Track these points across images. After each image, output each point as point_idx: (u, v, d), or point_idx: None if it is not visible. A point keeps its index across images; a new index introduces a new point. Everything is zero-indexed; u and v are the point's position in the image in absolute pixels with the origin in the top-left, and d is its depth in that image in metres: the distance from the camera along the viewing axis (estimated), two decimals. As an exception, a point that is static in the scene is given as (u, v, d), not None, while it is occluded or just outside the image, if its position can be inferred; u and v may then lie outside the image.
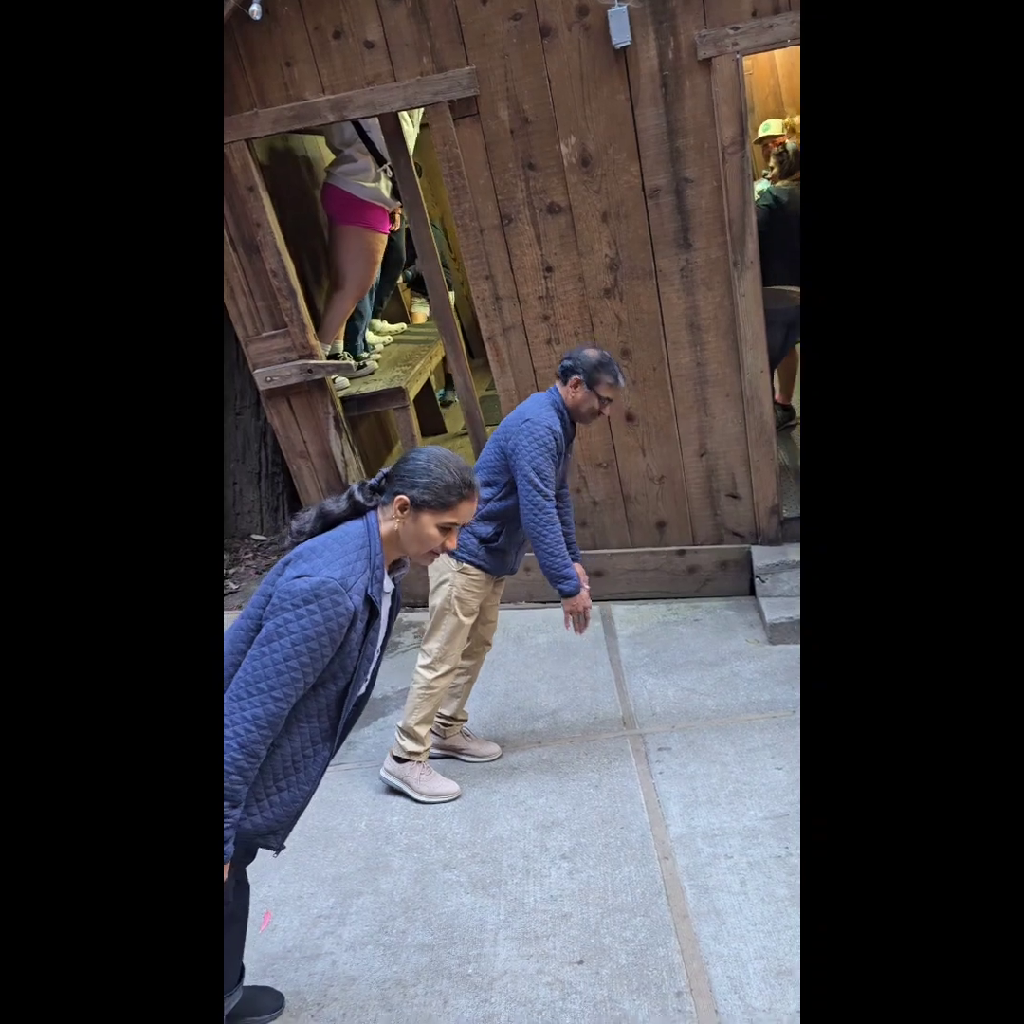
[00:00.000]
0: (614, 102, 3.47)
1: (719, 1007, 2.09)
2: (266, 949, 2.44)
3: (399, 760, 3.06)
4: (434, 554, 1.82)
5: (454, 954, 2.35)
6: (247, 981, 2.24)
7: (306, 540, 1.81)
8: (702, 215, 3.58)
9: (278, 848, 1.88)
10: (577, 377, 2.85)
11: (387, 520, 1.81)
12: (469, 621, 2.99)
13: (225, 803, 1.64)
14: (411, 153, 3.98)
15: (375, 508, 1.83)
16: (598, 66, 3.43)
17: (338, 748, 1.99)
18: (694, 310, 3.73)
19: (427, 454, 1.83)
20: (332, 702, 1.81)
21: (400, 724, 3.07)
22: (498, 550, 2.96)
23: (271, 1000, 2.23)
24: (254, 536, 5.31)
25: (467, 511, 1.82)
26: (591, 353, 2.87)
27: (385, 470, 1.86)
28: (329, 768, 3.22)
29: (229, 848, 1.67)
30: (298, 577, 1.68)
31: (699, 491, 4.02)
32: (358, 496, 1.85)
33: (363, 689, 1.95)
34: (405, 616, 4.39)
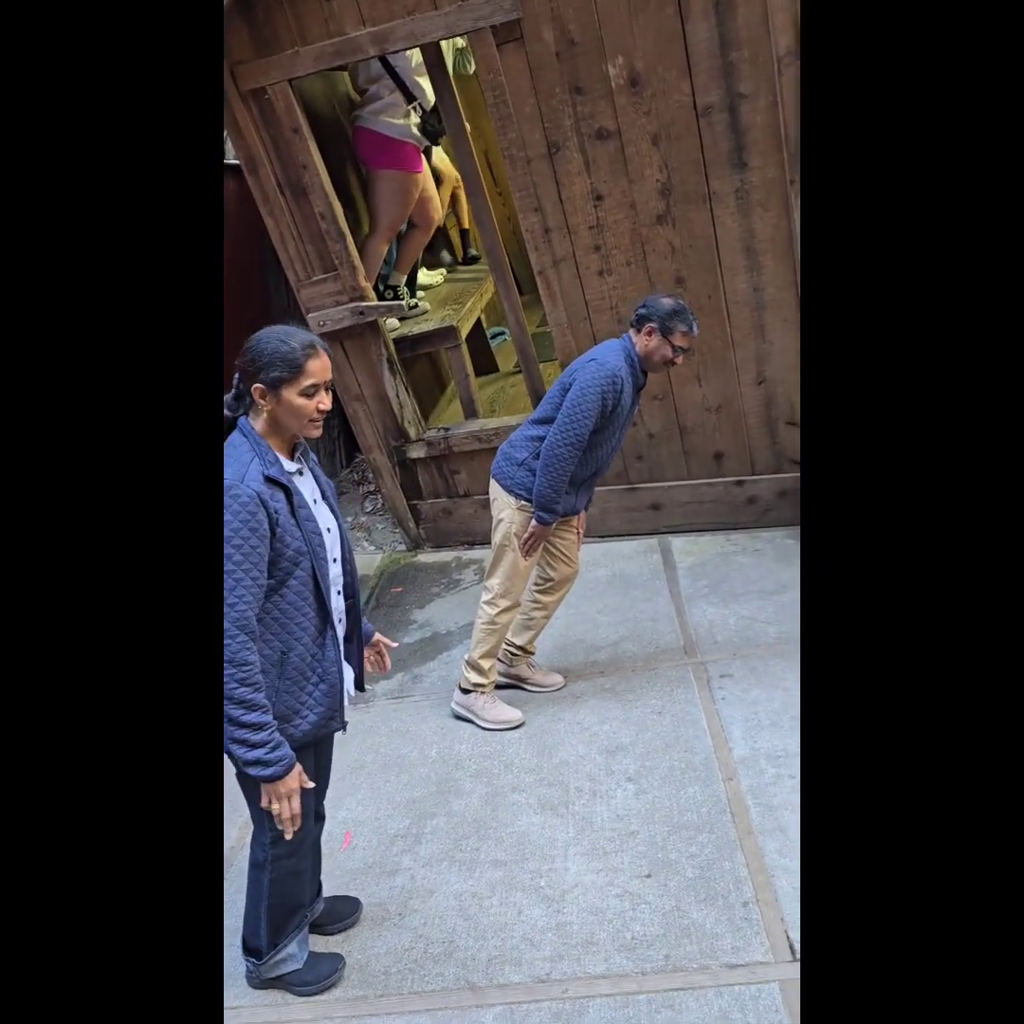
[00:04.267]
0: (662, 16, 3.34)
1: (785, 914, 2.15)
2: (348, 865, 2.58)
3: (465, 691, 3.15)
4: (315, 423, 1.84)
5: (526, 869, 2.45)
6: (329, 892, 2.38)
7: None
8: (757, 132, 3.45)
9: (342, 726, 2.03)
10: (652, 325, 2.82)
11: (256, 416, 1.85)
12: (529, 561, 3.03)
13: (251, 713, 1.74)
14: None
15: (243, 413, 1.88)
16: (645, -22, 3.30)
17: (350, 630, 2.08)
18: (750, 233, 3.62)
19: (259, 337, 1.83)
20: (309, 586, 1.88)
21: (466, 657, 3.16)
22: None
23: (349, 906, 2.37)
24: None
25: (319, 367, 1.81)
26: (666, 301, 2.83)
27: (237, 378, 1.88)
28: (397, 701, 3.37)
29: (284, 751, 1.78)
30: None
31: (757, 420, 3.97)
32: (227, 411, 1.90)
33: (338, 569, 1.99)
34: (465, 553, 4.47)
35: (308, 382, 1.80)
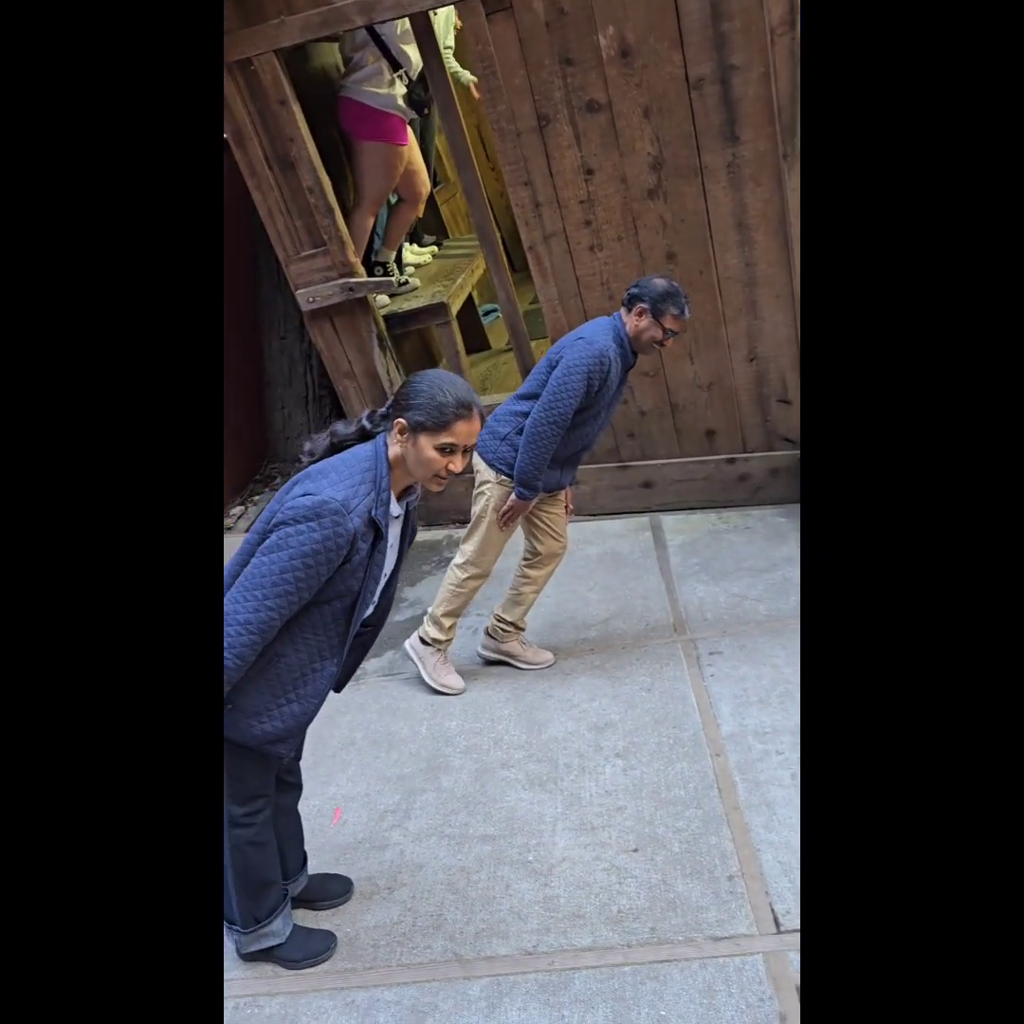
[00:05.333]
0: (654, -15, 3.29)
1: (770, 888, 2.17)
2: (338, 841, 2.59)
3: (423, 642, 3.26)
4: (440, 479, 1.81)
5: (514, 844, 2.47)
6: (320, 869, 2.39)
7: (316, 462, 1.86)
8: (749, 105, 3.41)
9: (285, 755, 1.96)
10: (643, 305, 2.80)
11: (393, 444, 1.82)
12: (506, 532, 3.04)
13: None
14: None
15: (384, 433, 1.85)
16: (636, -54, 3.24)
17: (354, 661, 2.06)
18: (742, 208, 3.59)
19: (426, 377, 1.82)
20: (339, 618, 1.86)
21: (429, 610, 3.25)
22: None
23: (340, 885, 2.38)
24: (302, 459, 5.40)
25: (465, 431, 1.78)
26: (659, 282, 2.81)
27: (392, 400, 1.86)
28: (388, 678, 3.37)
29: None
30: (304, 495, 1.72)
31: (749, 397, 3.95)
32: (366, 423, 1.89)
33: (371, 610, 1.99)
34: (456, 531, 4.46)
35: (448, 440, 1.77)
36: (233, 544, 4.59)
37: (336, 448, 1.89)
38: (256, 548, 1.79)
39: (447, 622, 3.22)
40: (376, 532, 1.78)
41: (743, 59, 3.34)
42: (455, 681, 3.23)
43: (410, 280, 4.70)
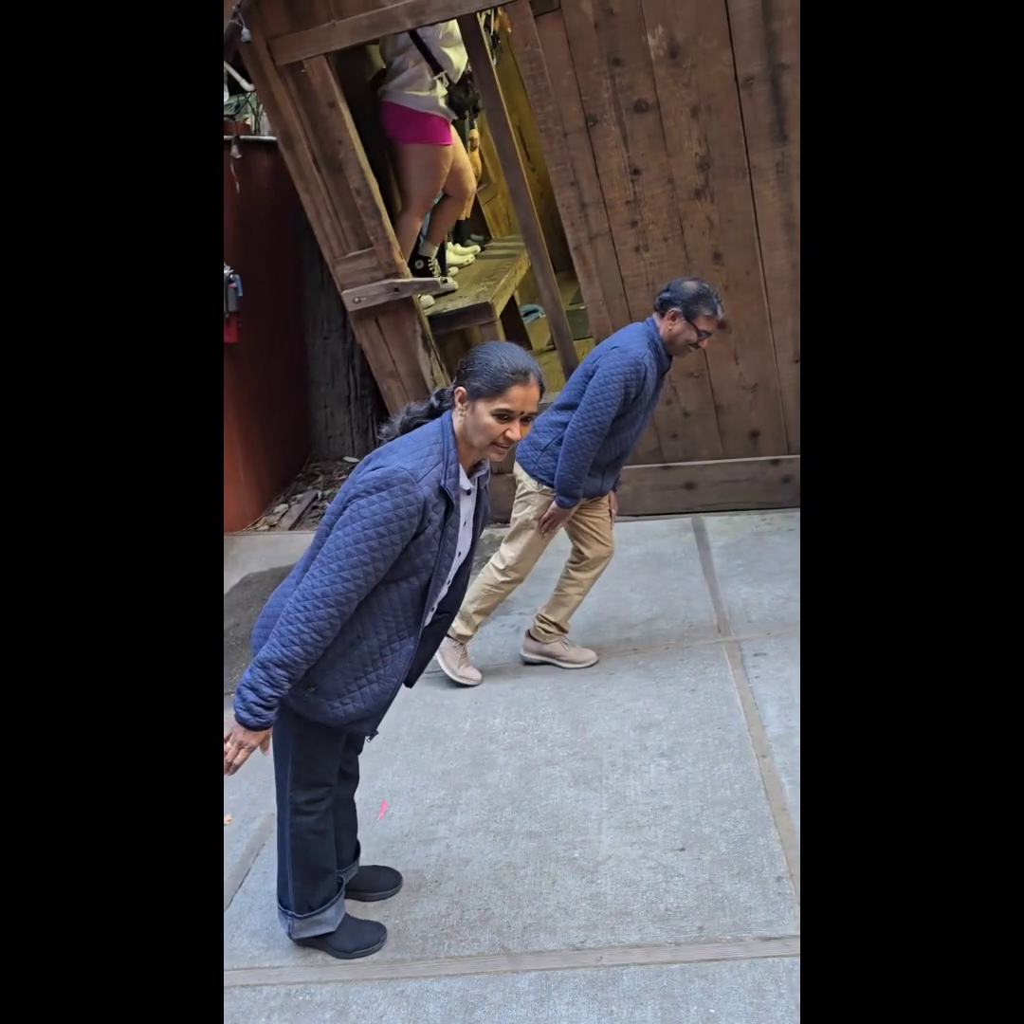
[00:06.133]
0: (704, -15, 3.28)
1: (821, 891, 2.16)
2: (384, 834, 2.62)
3: (447, 635, 3.28)
4: (499, 447, 1.81)
5: (560, 840, 2.48)
6: (367, 861, 2.42)
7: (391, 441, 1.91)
8: (799, 104, 3.39)
9: (371, 733, 2.02)
10: (675, 309, 2.80)
11: (457, 416, 1.84)
12: (546, 539, 3.07)
13: (282, 670, 1.74)
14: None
15: (451, 409, 1.88)
16: (687, -54, 3.24)
17: (429, 649, 2.08)
18: (790, 207, 3.57)
19: (485, 347, 1.85)
20: (416, 595, 1.88)
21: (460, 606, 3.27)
22: None
23: (389, 877, 2.41)
24: (346, 458, 5.46)
25: (521, 396, 1.78)
26: (690, 285, 2.82)
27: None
28: (430, 674, 3.39)
29: (271, 716, 1.77)
30: (374, 470, 1.76)
31: (794, 399, 3.92)
32: (434, 400, 1.93)
33: (445, 590, 2.01)
34: (498, 531, 4.48)
35: (503, 406, 1.78)
36: (276, 541, 4.66)
37: (408, 426, 1.93)
38: (330, 529, 1.82)
39: (477, 620, 3.25)
40: (448, 503, 1.80)
41: (793, 58, 3.32)
42: (474, 673, 3.28)
43: (449, 281, 4.74)
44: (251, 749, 1.79)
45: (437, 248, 4.80)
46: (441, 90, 4.38)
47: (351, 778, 2.25)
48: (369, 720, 1.97)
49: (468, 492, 1.91)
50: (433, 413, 1.93)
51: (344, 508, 1.78)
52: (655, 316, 2.89)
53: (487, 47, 3.83)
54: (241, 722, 1.77)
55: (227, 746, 1.79)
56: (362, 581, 1.76)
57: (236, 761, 1.79)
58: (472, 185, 4.77)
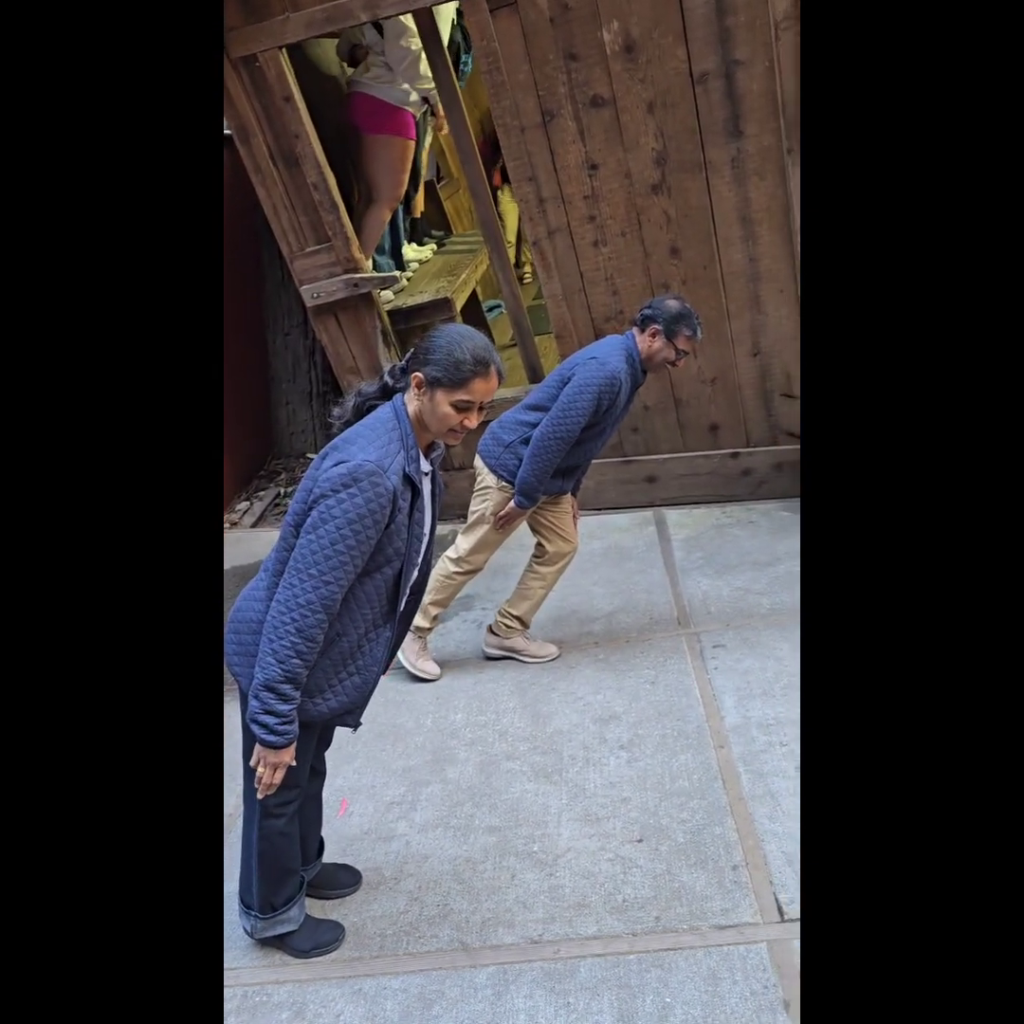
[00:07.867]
0: (658, -20, 3.30)
1: (773, 877, 2.19)
2: (344, 831, 2.61)
3: None
4: (456, 433, 1.81)
5: (520, 834, 2.49)
6: (327, 859, 2.41)
7: (345, 427, 1.86)
8: (753, 99, 3.42)
9: (355, 725, 2.02)
10: (656, 327, 2.82)
11: (411, 400, 1.82)
12: (501, 534, 3.09)
13: (288, 685, 1.74)
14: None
15: (404, 389, 1.85)
16: (640, -59, 3.25)
17: (402, 631, 2.08)
18: (746, 202, 3.60)
19: (445, 332, 1.81)
20: (390, 584, 1.87)
21: None
22: None
23: (349, 876, 2.40)
24: (308, 455, 5.42)
25: (482, 389, 1.77)
26: (672, 304, 2.84)
27: (410, 354, 1.86)
28: (392, 670, 3.37)
29: (294, 728, 1.79)
30: (336, 465, 1.72)
31: (752, 392, 3.96)
32: (387, 378, 1.88)
33: (416, 574, 2.00)
34: (460, 526, 4.47)
35: (464, 397, 1.76)
36: (239, 539, 4.61)
37: (361, 409, 1.89)
38: (297, 529, 1.79)
39: (433, 611, 3.26)
40: (413, 489, 1.79)
41: (747, 54, 3.35)
42: (433, 667, 3.27)
43: (402, 279, 4.69)
44: (282, 764, 1.81)
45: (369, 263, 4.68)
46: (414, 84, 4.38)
47: (319, 774, 2.24)
48: (353, 712, 1.98)
49: (427, 473, 1.90)
50: (386, 392, 1.89)
51: (309, 507, 1.75)
52: (635, 331, 2.90)
53: (443, 45, 3.81)
54: (269, 745, 1.78)
55: (259, 771, 1.80)
56: (344, 581, 1.75)
57: (274, 781, 1.81)
58: (404, 187, 4.70)
